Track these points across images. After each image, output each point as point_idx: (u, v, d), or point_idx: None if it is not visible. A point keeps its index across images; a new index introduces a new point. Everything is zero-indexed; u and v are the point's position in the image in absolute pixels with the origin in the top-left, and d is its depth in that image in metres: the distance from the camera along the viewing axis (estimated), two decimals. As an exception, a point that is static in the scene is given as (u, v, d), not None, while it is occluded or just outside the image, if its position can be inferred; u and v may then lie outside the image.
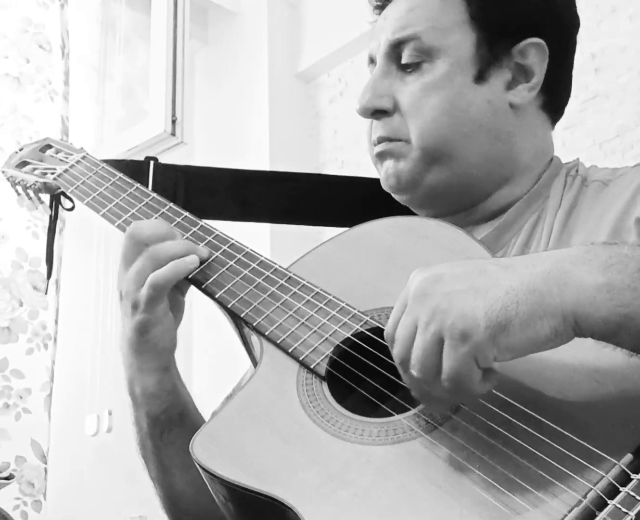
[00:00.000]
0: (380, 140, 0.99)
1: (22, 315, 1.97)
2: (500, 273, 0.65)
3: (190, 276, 0.93)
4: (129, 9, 2.65)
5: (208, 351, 2.57)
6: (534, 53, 0.97)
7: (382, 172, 1.00)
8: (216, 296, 0.91)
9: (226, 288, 0.91)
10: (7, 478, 1.91)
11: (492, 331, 0.62)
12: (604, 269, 0.63)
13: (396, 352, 0.68)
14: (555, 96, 1.02)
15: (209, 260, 0.95)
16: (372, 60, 1.03)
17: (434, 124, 0.95)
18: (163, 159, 2.34)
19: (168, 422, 0.96)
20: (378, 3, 1.04)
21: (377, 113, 0.99)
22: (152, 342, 0.93)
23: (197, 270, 0.94)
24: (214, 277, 0.93)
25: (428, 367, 0.65)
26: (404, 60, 0.97)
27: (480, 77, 0.96)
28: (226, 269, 0.93)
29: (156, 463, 0.98)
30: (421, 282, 0.67)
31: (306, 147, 2.91)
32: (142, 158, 2.38)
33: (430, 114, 0.95)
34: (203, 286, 0.93)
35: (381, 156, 1.00)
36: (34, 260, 2.01)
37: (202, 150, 2.92)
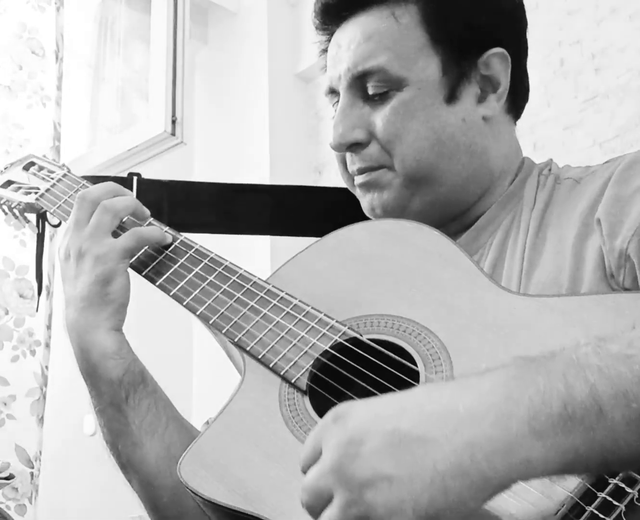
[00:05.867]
0: (361, 171, 0.98)
1: (7, 324, 1.98)
2: (423, 448, 0.57)
3: (171, 293, 0.94)
4: (129, 8, 2.65)
5: (208, 351, 2.57)
6: (497, 62, 0.97)
7: (366, 203, 0.99)
8: (197, 313, 0.91)
9: (207, 304, 0.91)
10: (7, 478, 1.92)
11: None
12: (529, 421, 0.56)
13: (305, 505, 0.61)
14: (517, 97, 1.02)
15: (190, 276, 0.95)
16: (331, 91, 1.01)
17: (416, 149, 0.94)
18: (163, 159, 2.35)
19: (132, 382, 0.94)
20: (323, 25, 1.02)
21: (353, 146, 0.97)
22: (113, 295, 0.93)
23: (179, 286, 0.94)
24: (195, 292, 0.93)
25: None
26: (370, 92, 0.95)
27: (452, 96, 0.95)
28: (206, 284, 0.93)
29: (125, 438, 0.94)
30: (337, 449, 0.59)
31: (306, 147, 2.91)
32: (142, 158, 2.39)
33: (411, 139, 0.94)
34: (184, 303, 0.93)
35: (364, 187, 0.98)
36: (21, 268, 2.02)
37: (202, 150, 2.92)
